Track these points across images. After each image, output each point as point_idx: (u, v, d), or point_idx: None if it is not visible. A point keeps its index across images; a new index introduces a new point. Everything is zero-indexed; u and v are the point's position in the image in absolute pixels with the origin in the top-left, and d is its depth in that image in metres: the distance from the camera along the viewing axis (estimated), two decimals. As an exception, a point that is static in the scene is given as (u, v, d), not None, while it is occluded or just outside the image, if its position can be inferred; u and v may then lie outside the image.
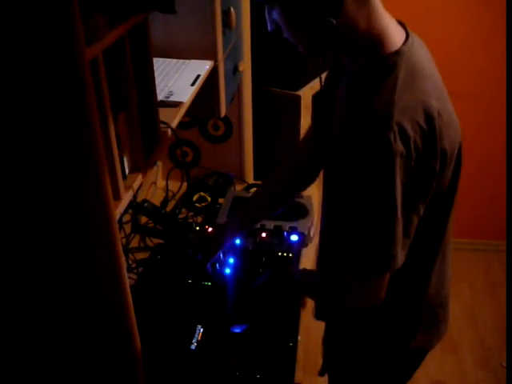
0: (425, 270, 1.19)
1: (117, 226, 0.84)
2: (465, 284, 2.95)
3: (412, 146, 0.92)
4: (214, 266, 1.49)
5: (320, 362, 1.48)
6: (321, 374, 1.50)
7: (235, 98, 1.88)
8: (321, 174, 1.38)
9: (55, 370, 1.04)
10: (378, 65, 0.98)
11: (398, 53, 0.97)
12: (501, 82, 2.64)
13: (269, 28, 1.03)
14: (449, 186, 1.08)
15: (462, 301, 2.82)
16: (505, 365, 2.42)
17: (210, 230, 1.53)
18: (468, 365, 2.49)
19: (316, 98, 1.30)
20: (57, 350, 1.01)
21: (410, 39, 1.00)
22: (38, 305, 0.95)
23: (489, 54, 2.62)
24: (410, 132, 0.92)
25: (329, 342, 1.45)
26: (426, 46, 1.11)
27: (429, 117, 0.95)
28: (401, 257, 1.00)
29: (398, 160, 0.91)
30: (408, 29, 1.04)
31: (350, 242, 1.02)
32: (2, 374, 1.05)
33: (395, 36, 0.99)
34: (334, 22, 0.92)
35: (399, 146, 0.91)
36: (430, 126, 0.95)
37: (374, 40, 0.97)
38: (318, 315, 1.40)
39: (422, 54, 1.04)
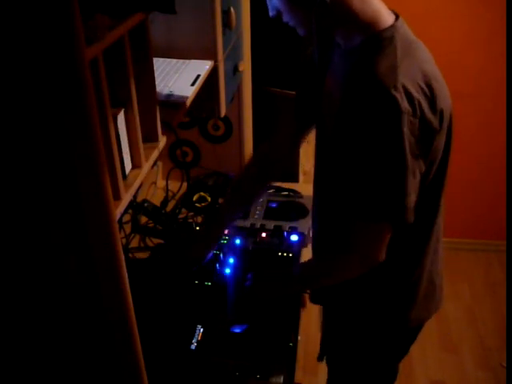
0: (421, 244, 1.24)
1: (117, 226, 0.84)
2: (465, 284, 2.95)
3: (416, 105, 0.99)
4: (214, 266, 1.49)
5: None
6: (319, 358, 1.51)
7: (235, 97, 1.88)
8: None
9: (55, 370, 1.04)
10: (376, 38, 1.05)
11: (393, 26, 1.05)
12: (501, 82, 2.64)
13: (270, 14, 1.11)
14: (443, 151, 1.13)
15: (462, 301, 2.82)
16: (505, 365, 2.42)
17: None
18: (468, 365, 2.49)
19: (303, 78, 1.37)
20: (57, 351, 1.01)
21: (400, 19, 1.08)
22: (37, 305, 0.95)
23: (489, 54, 2.62)
24: (414, 93, 0.99)
25: (326, 324, 1.46)
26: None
27: (427, 81, 1.03)
28: (411, 211, 1.05)
29: (406, 117, 0.98)
30: (396, 12, 1.11)
31: (365, 195, 1.07)
32: (2, 374, 1.05)
33: (387, 16, 1.07)
34: (328, 0, 1.01)
35: (406, 105, 0.98)
36: (429, 88, 1.03)
37: (369, 19, 1.04)
38: (314, 299, 1.41)
39: (410, 31, 1.12)
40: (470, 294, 2.89)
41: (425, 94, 1.02)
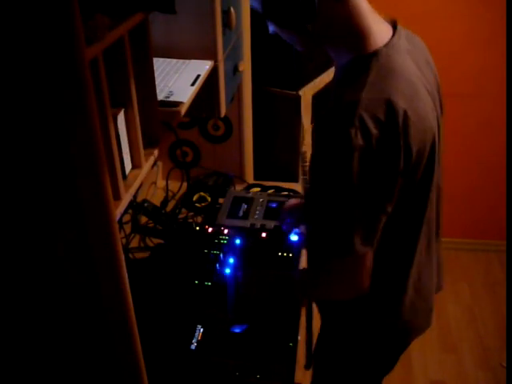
0: (405, 263, 1.22)
1: (117, 226, 0.84)
2: (465, 284, 2.95)
3: (373, 141, 0.96)
4: (214, 265, 1.49)
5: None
6: (307, 366, 1.51)
7: (235, 98, 1.88)
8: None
9: (55, 370, 1.04)
10: (355, 64, 1.05)
11: (375, 53, 1.03)
12: (501, 82, 2.64)
13: (270, 30, 1.14)
14: (420, 182, 1.10)
15: (462, 301, 2.82)
16: (505, 365, 2.42)
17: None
18: (468, 365, 2.49)
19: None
20: (57, 351, 1.01)
21: (394, 38, 1.05)
22: (37, 305, 0.95)
23: (489, 54, 2.62)
24: (372, 128, 0.96)
25: (321, 333, 1.46)
26: (421, 43, 1.16)
27: (392, 114, 0.98)
28: (360, 245, 1.04)
29: (357, 153, 0.96)
30: (399, 27, 1.09)
31: (318, 228, 1.10)
32: (2, 374, 1.05)
33: (378, 36, 1.04)
34: (310, 28, 1.02)
35: (359, 141, 0.96)
36: (394, 122, 0.98)
37: (356, 39, 1.04)
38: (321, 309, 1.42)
39: (405, 54, 1.07)
40: (470, 294, 2.89)
41: (385, 129, 0.97)
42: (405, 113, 0.99)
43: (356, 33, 1.03)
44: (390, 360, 1.40)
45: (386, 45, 1.04)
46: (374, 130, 0.96)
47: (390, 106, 0.98)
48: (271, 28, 1.12)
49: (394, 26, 1.09)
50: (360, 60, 1.04)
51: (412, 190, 1.09)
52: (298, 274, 1.34)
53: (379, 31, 1.05)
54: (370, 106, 0.97)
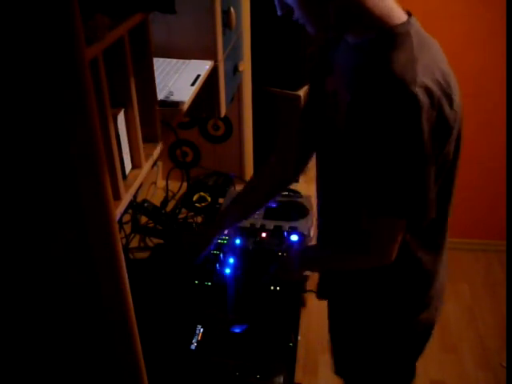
0: (435, 244, 1.24)
1: (117, 226, 0.84)
2: (465, 284, 2.95)
3: (436, 101, 0.98)
4: (214, 265, 1.49)
5: (320, 360, 1.48)
6: (336, 372, 1.51)
7: (235, 98, 1.88)
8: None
9: (55, 371, 1.04)
10: (390, 33, 1.02)
11: (408, 22, 1.03)
12: (501, 82, 2.64)
13: (278, 12, 1.09)
14: (453, 154, 1.13)
15: (462, 301, 2.82)
16: (505, 365, 2.42)
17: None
18: (468, 365, 2.49)
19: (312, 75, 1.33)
20: (57, 351, 1.01)
21: (412, 17, 1.07)
22: (37, 305, 0.95)
23: (489, 54, 2.62)
24: (433, 87, 0.98)
25: (334, 322, 1.45)
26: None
27: (445, 78, 1.02)
28: (433, 206, 1.06)
29: (425, 111, 0.96)
30: (410, 12, 1.09)
31: (387, 191, 1.05)
32: (2, 374, 1.05)
33: (400, 14, 1.05)
34: None
35: (426, 100, 0.96)
36: (448, 86, 1.02)
37: (382, 14, 1.03)
38: (321, 294, 1.41)
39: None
40: (470, 294, 2.89)
41: (444, 91, 1.00)
42: (450, 77, 1.04)
43: (383, 8, 1.02)
44: (417, 347, 1.40)
45: (411, 17, 1.05)
46: (435, 91, 0.98)
47: (442, 70, 1.02)
48: (283, 7, 1.07)
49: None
50: (394, 29, 1.02)
51: (445, 168, 1.11)
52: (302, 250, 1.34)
53: (400, 11, 1.06)
54: (427, 68, 0.99)
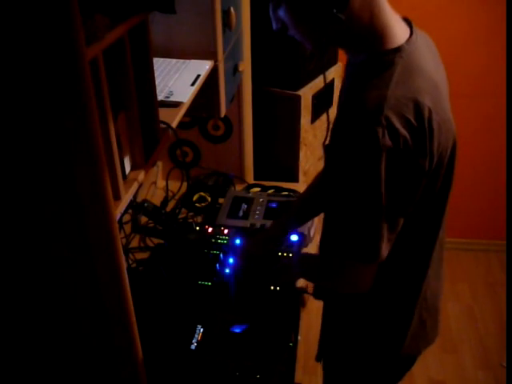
0: (421, 267, 1.20)
1: (117, 226, 0.84)
2: (465, 284, 2.95)
3: (401, 141, 0.92)
4: (214, 265, 1.49)
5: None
6: (318, 359, 1.50)
7: (235, 98, 1.88)
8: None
9: (55, 371, 1.04)
10: (376, 60, 0.99)
11: (398, 49, 0.98)
12: (501, 83, 2.64)
13: (274, 26, 1.05)
14: (441, 186, 1.08)
15: (462, 301, 2.82)
16: (505, 365, 2.42)
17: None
18: (468, 365, 2.49)
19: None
20: (57, 351, 1.01)
21: (413, 37, 1.01)
22: (37, 305, 0.95)
23: (489, 54, 2.62)
24: (399, 128, 0.92)
25: (326, 322, 1.45)
26: (432, 42, 1.12)
27: (419, 114, 0.94)
28: (385, 250, 1.01)
29: (385, 154, 0.91)
30: (414, 26, 1.05)
31: (340, 230, 1.03)
32: (2, 374, 1.05)
33: (398, 33, 1.00)
34: (343, 17, 0.94)
35: (387, 141, 0.91)
36: (420, 123, 0.94)
37: (376, 36, 0.98)
38: (317, 294, 1.41)
39: (425, 52, 1.04)
40: (470, 294, 2.89)
41: (412, 129, 0.93)
42: (430, 113, 0.96)
43: (377, 31, 0.98)
44: (401, 369, 1.40)
45: (407, 42, 1.00)
46: (401, 130, 0.92)
47: (417, 106, 0.94)
48: (278, 23, 1.04)
49: (409, 25, 1.05)
50: (382, 56, 0.98)
51: (432, 195, 1.06)
52: (297, 257, 1.35)
53: (399, 28, 1.01)
54: (397, 104, 0.93)
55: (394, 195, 0.96)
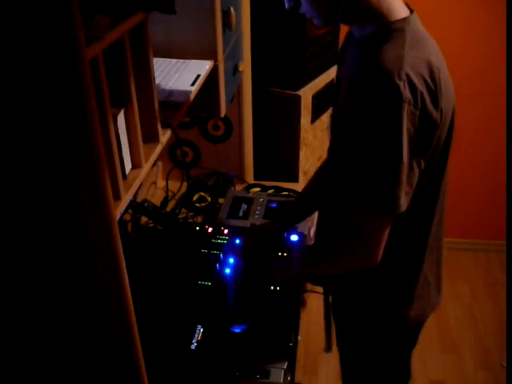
0: (422, 233, 1.24)
1: (117, 226, 0.84)
2: (465, 284, 2.94)
3: (418, 96, 1.00)
4: (214, 265, 1.49)
5: (320, 360, 1.48)
6: (327, 349, 1.51)
7: (235, 98, 1.88)
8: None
9: (55, 371, 1.04)
10: (387, 28, 1.07)
11: (405, 19, 1.07)
12: (501, 82, 2.64)
13: (286, 5, 1.13)
14: (443, 145, 1.14)
15: (462, 301, 2.82)
16: (505, 365, 2.42)
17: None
18: (468, 365, 2.48)
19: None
20: (57, 351, 1.01)
21: (414, 13, 1.10)
22: (37, 305, 0.95)
23: (488, 54, 2.62)
24: (417, 83, 1.00)
25: (331, 305, 1.46)
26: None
27: (431, 72, 1.04)
28: (404, 202, 1.06)
29: (406, 106, 0.98)
30: (411, 8, 1.13)
31: (358, 183, 1.07)
32: (2, 374, 1.05)
33: (401, 8, 1.09)
34: None
35: (408, 94, 0.98)
36: (433, 81, 1.03)
37: (383, 10, 1.07)
38: (314, 280, 1.42)
39: (422, 27, 1.14)
40: (470, 293, 2.89)
41: (428, 87, 1.02)
42: (439, 73, 1.05)
43: (384, 4, 1.06)
44: (410, 337, 1.41)
45: (411, 15, 1.09)
46: (419, 86, 1.00)
47: (429, 65, 1.04)
48: (288, 2, 1.11)
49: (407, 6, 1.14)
50: (391, 25, 1.06)
51: (435, 154, 1.12)
52: (297, 252, 1.35)
53: (401, 5, 1.10)
54: (413, 63, 1.01)
55: (412, 147, 1.02)
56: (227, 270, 1.47)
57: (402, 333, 1.37)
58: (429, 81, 1.02)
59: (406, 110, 0.98)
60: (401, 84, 0.97)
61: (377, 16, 1.07)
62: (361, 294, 1.32)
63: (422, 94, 1.00)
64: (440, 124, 1.06)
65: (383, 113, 0.99)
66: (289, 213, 1.56)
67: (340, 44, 1.24)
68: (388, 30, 1.06)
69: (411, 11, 1.10)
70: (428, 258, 1.28)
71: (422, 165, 1.07)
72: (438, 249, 1.31)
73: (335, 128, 1.23)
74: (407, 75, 0.99)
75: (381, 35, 1.07)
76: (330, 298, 1.49)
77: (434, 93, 1.03)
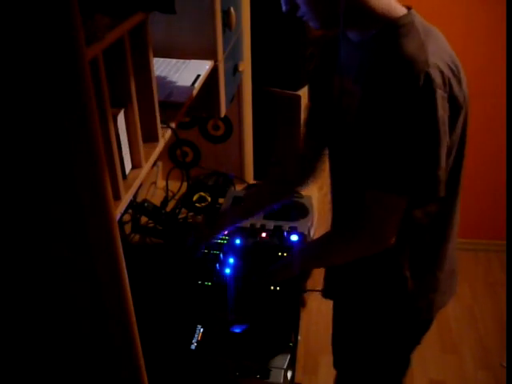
0: (443, 231, 1.26)
1: (117, 226, 0.84)
2: (465, 284, 2.94)
3: (447, 81, 1.03)
4: (214, 265, 1.49)
5: (320, 360, 1.48)
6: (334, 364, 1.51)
7: (235, 97, 1.88)
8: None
9: (55, 371, 1.04)
10: (395, 25, 1.06)
11: (410, 13, 1.08)
12: (501, 82, 2.64)
13: (283, 8, 1.11)
14: (461, 135, 1.18)
15: (462, 301, 2.82)
16: (505, 365, 2.42)
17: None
18: (468, 365, 2.48)
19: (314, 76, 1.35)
20: (57, 351, 1.01)
21: (413, 10, 1.10)
22: (37, 305, 0.95)
23: (488, 54, 2.62)
24: (444, 70, 1.02)
25: (338, 321, 1.46)
26: None
27: (452, 59, 1.07)
28: (443, 184, 1.08)
29: (438, 91, 1.00)
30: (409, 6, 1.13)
31: (398, 168, 1.06)
32: (2, 374, 1.05)
33: (398, 7, 1.10)
34: None
35: (438, 79, 1.00)
36: (456, 66, 1.07)
37: (382, 12, 1.07)
38: (326, 293, 1.42)
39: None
40: (470, 294, 2.89)
41: (452, 72, 1.05)
42: (456, 60, 1.09)
43: (383, 7, 1.07)
44: (415, 337, 1.42)
45: (412, 10, 1.10)
46: (445, 72, 1.02)
47: (449, 54, 1.07)
48: (288, 3, 1.10)
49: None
50: (396, 23, 1.06)
51: (459, 139, 1.16)
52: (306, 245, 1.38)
53: (397, 4, 1.10)
54: (435, 52, 1.03)
55: (446, 132, 1.05)
56: (227, 270, 1.47)
57: (414, 325, 1.37)
58: (452, 66, 1.05)
59: (439, 94, 1.00)
60: (431, 70, 0.99)
61: (377, 18, 1.07)
62: (374, 290, 1.32)
63: (449, 79, 1.02)
64: (463, 106, 1.10)
65: (418, 101, 1.00)
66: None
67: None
68: (395, 26, 1.06)
69: (409, 8, 1.10)
70: (447, 248, 1.28)
71: (452, 151, 1.11)
72: (454, 239, 1.32)
73: (347, 134, 1.20)
74: (433, 62, 1.00)
75: (389, 33, 1.06)
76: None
77: (458, 77, 1.06)
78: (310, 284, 1.59)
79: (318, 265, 1.42)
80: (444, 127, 1.03)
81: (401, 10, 1.08)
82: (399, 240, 1.13)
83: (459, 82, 1.07)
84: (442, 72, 1.01)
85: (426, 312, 1.33)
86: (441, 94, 1.00)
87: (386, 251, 1.14)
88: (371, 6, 1.06)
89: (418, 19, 1.08)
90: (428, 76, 0.99)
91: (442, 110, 1.02)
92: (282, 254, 1.57)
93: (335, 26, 1.12)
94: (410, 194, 1.09)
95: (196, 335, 1.32)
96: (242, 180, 2.10)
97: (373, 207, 1.11)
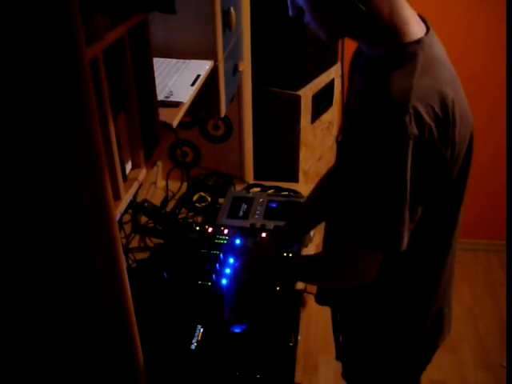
0: (437, 265, 1.21)
1: (117, 226, 0.84)
2: (465, 284, 2.94)
3: (426, 130, 0.94)
4: (214, 265, 1.49)
5: (320, 360, 1.48)
6: (338, 357, 1.50)
7: (235, 98, 1.88)
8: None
9: (55, 371, 1.04)
10: (397, 52, 1.00)
11: (418, 41, 1.00)
12: (501, 82, 2.64)
13: (290, 13, 1.06)
14: (458, 176, 1.10)
15: (462, 301, 2.82)
16: (505, 365, 2.42)
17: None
18: (468, 365, 2.49)
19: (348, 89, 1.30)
20: (57, 351, 1.01)
21: (430, 31, 1.03)
22: (37, 305, 0.95)
23: (488, 54, 2.62)
24: (425, 117, 0.93)
25: (336, 327, 1.45)
26: (439, 40, 1.13)
27: (444, 105, 0.97)
28: (406, 240, 1.01)
29: (411, 143, 0.92)
30: (428, 23, 1.07)
31: (360, 220, 1.01)
32: (2, 374, 1.05)
33: (416, 28, 1.01)
34: (364, 8, 0.95)
35: (413, 129, 0.92)
36: (445, 113, 0.96)
37: (395, 30, 1.00)
38: (320, 300, 1.40)
39: (440, 46, 1.07)
40: (470, 294, 2.89)
41: (438, 119, 0.95)
42: (453, 103, 0.98)
43: (396, 25, 0.99)
44: (418, 365, 1.38)
45: (426, 35, 1.02)
46: (427, 119, 0.94)
47: (442, 96, 0.97)
48: (295, 9, 1.03)
49: (424, 21, 1.07)
50: (403, 48, 0.99)
51: (449, 185, 1.08)
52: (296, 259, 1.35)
53: (416, 23, 1.03)
54: (423, 94, 0.94)
55: (417, 184, 0.97)
56: (227, 270, 1.47)
57: (416, 354, 1.34)
58: (439, 113, 0.95)
59: (411, 146, 0.92)
60: (407, 119, 0.91)
61: (388, 35, 1.00)
62: (374, 313, 1.29)
63: (430, 128, 0.94)
64: (450, 159, 1.00)
65: (387, 149, 0.94)
66: (289, 229, 1.49)
67: (340, 44, 1.18)
68: (399, 53, 0.99)
69: (427, 28, 1.03)
70: (442, 286, 1.24)
71: (428, 198, 1.02)
72: (450, 276, 1.28)
73: (340, 153, 1.15)
74: (414, 108, 0.92)
75: (391, 59, 1.00)
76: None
77: (445, 126, 0.97)
78: (310, 286, 1.58)
79: (310, 283, 1.41)
80: (414, 181, 0.95)
81: (416, 33, 1.00)
82: (397, 262, 1.10)
83: (446, 131, 0.97)
84: (422, 120, 0.93)
85: (419, 347, 1.30)
86: (413, 146, 0.92)
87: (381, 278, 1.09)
88: (387, 21, 0.99)
89: (427, 49, 0.99)
90: (403, 125, 0.91)
91: (414, 163, 0.94)
92: (287, 254, 1.56)
93: (342, 37, 1.07)
94: (372, 250, 1.02)
95: (196, 335, 1.32)
96: (242, 180, 2.10)
97: (344, 257, 1.07)
